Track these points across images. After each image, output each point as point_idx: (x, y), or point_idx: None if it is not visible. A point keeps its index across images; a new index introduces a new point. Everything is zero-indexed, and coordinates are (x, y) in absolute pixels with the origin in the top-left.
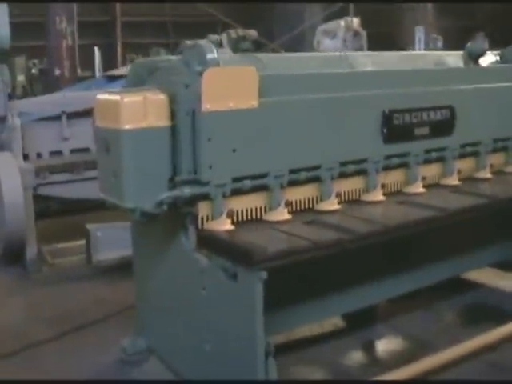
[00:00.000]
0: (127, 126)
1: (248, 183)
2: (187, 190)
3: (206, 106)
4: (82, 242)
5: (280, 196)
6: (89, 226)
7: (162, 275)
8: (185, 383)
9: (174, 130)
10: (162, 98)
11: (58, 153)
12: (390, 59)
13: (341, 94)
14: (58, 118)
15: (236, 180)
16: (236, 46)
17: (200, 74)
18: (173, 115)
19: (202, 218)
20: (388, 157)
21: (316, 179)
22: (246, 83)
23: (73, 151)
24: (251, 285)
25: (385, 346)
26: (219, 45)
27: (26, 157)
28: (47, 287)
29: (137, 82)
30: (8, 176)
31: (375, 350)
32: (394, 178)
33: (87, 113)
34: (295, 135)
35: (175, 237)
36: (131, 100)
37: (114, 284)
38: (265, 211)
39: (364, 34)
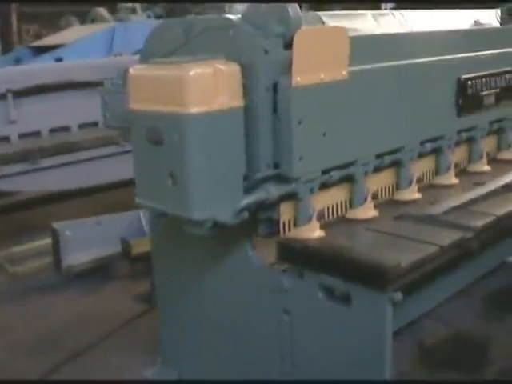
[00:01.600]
0: (195, 109)
1: (336, 175)
2: (274, 191)
3: (297, 78)
4: (43, 242)
5: (366, 188)
6: (56, 225)
7: (209, 296)
8: (185, 383)
9: (247, 111)
10: (235, 69)
11: (5, 139)
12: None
13: (423, 60)
14: (2, 97)
15: (324, 172)
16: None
17: (283, 36)
18: (244, 92)
19: (284, 224)
20: (459, 132)
21: (393, 164)
22: (335, 47)
23: (22, 136)
24: (377, 309)
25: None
26: (133, 11)
27: None
28: (10, 303)
29: (163, 49)
30: None
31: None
32: (460, 155)
33: (37, 90)
34: (380, 112)
35: (235, 248)
36: (200, 73)
37: (94, 293)
38: (345, 207)
39: None
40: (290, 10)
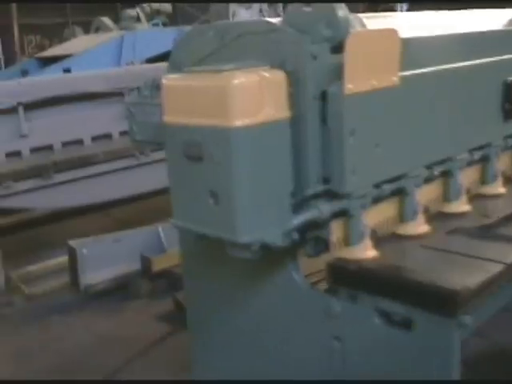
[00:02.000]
0: (239, 122)
1: (387, 189)
2: (326, 208)
3: (349, 85)
4: (58, 260)
5: (417, 201)
6: (72, 243)
7: (249, 319)
8: (185, 383)
9: (293, 123)
10: (281, 77)
11: (16, 154)
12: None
13: (470, 63)
14: (12, 110)
15: (375, 186)
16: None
17: (330, 39)
18: (290, 102)
19: (334, 244)
20: (505, 138)
21: (441, 175)
22: (387, 51)
23: (33, 150)
24: (444, 334)
25: None
26: (137, 19)
27: None
28: (28, 327)
29: (193, 57)
30: None
31: None
32: (505, 163)
33: (48, 102)
34: (429, 120)
35: (278, 269)
36: (245, 82)
37: (114, 314)
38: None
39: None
40: (338, 11)
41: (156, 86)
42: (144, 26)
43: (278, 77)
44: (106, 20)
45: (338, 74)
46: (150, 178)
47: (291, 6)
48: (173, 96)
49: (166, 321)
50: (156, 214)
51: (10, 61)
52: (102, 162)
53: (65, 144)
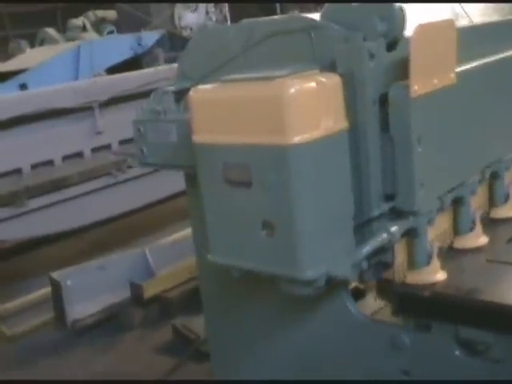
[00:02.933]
0: (298, 138)
1: (448, 199)
2: (396, 230)
3: (415, 86)
4: (39, 293)
5: (473, 210)
6: (54, 274)
7: (291, 354)
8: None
9: (351, 133)
10: (337, 81)
11: None
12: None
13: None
14: None
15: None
16: (98, 28)
17: (387, 35)
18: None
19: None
20: None
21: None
22: (445, 45)
23: (1, 176)
24: None
25: None
26: (83, 28)
27: None
28: (15, 372)
29: (209, 64)
30: None
31: None
32: None
33: (12, 122)
34: (482, 120)
35: (328, 298)
36: (302, 90)
37: (109, 349)
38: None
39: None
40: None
41: (168, 100)
42: (92, 34)
43: (335, 81)
44: (51, 31)
45: (396, 74)
46: (130, 196)
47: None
48: (206, 111)
49: (167, 353)
50: (131, 234)
51: None
52: (77, 183)
53: (34, 166)
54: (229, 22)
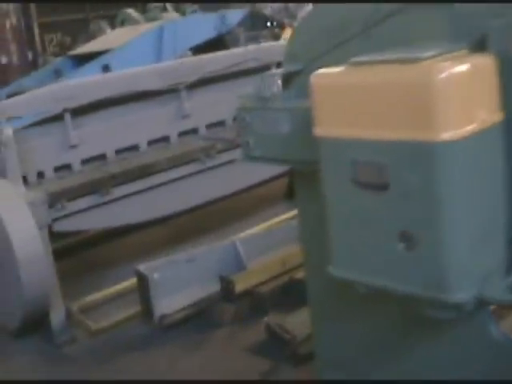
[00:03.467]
0: (450, 134)
1: None
2: None
3: None
4: (123, 285)
5: None
6: (141, 267)
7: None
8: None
9: (505, 126)
10: (491, 64)
11: (66, 167)
12: None
13: None
14: (58, 118)
15: None
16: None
17: None
18: None
19: None
20: None
21: None
22: None
23: (84, 162)
24: None
25: None
26: (163, 8)
27: (23, 180)
28: (98, 367)
29: (321, 45)
30: (14, 216)
31: None
32: None
33: (98, 106)
34: None
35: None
36: (455, 74)
37: (198, 347)
38: None
39: None
40: None
41: (276, 84)
42: (173, 14)
43: (489, 64)
44: (132, 12)
45: None
46: (218, 183)
47: None
48: (332, 99)
49: (260, 353)
50: (216, 221)
51: (33, 62)
52: (165, 169)
53: (118, 151)
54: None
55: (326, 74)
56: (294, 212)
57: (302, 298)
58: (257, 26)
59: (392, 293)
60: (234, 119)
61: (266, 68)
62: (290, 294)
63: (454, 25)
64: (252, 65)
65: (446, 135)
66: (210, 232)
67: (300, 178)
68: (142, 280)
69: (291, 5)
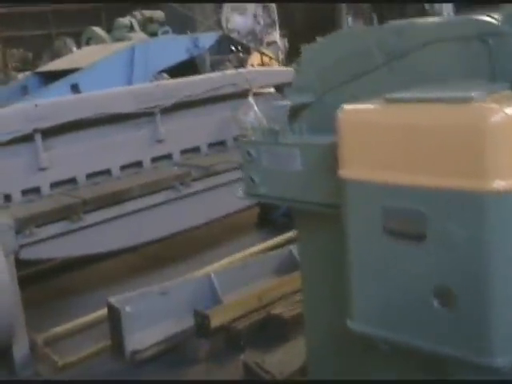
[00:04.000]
0: (502, 183)
1: None
2: None
3: None
4: (92, 316)
5: None
6: (113, 300)
7: None
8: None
9: None
10: None
11: (35, 190)
12: None
13: None
14: (27, 138)
15: None
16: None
17: None
18: None
19: None
20: None
21: None
22: None
23: (54, 185)
24: None
25: None
26: (131, 28)
27: None
28: None
29: (338, 75)
30: None
31: None
32: None
33: (69, 127)
34: None
35: None
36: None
37: None
38: None
39: (274, 7)
40: None
41: (291, 118)
42: (140, 35)
43: None
44: (98, 30)
45: None
46: (193, 211)
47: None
48: (363, 139)
49: None
50: (189, 248)
51: None
52: (138, 196)
53: (89, 176)
54: (277, 27)
55: (357, 110)
56: (268, 242)
57: (280, 334)
58: (223, 51)
59: (419, 352)
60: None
61: (243, 94)
62: (267, 329)
63: (489, 60)
64: (229, 90)
65: (499, 184)
66: (181, 261)
67: (301, 218)
68: (114, 313)
69: (258, 30)
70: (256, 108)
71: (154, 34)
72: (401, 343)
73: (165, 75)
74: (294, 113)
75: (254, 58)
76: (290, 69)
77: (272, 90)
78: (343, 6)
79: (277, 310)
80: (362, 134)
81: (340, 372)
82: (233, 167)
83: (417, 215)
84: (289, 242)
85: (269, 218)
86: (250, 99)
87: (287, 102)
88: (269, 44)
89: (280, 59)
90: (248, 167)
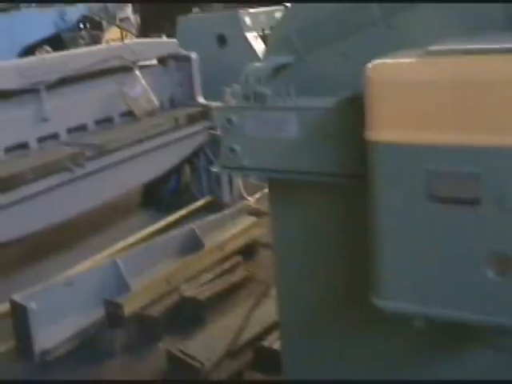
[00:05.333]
0: None
1: None
2: None
3: None
4: None
5: None
6: (16, 297)
7: None
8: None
9: None
10: None
11: None
12: None
13: None
14: None
15: None
16: None
17: None
18: None
19: None
20: None
21: None
22: None
23: None
24: None
25: None
26: None
27: None
28: None
29: (331, 26)
30: None
31: None
32: None
33: None
34: None
35: None
36: None
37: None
38: None
39: None
40: None
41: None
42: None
43: None
44: None
45: None
46: (89, 193)
47: None
48: (401, 98)
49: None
50: (76, 235)
51: None
52: (29, 181)
53: None
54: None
55: (391, 66)
56: (161, 222)
57: (196, 318)
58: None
59: (468, 324)
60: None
61: (129, 67)
62: (182, 313)
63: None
64: (115, 63)
65: None
66: (70, 248)
67: (276, 189)
68: (19, 310)
69: (110, 5)
70: (143, 81)
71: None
72: (443, 317)
73: (48, 48)
74: (273, 73)
75: (111, 34)
76: (173, 40)
77: (155, 61)
78: None
79: (188, 292)
80: (400, 92)
81: (316, 351)
82: (125, 144)
83: (469, 177)
84: (179, 221)
85: (155, 196)
86: (137, 72)
87: (269, 64)
88: (121, 20)
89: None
90: (228, 137)
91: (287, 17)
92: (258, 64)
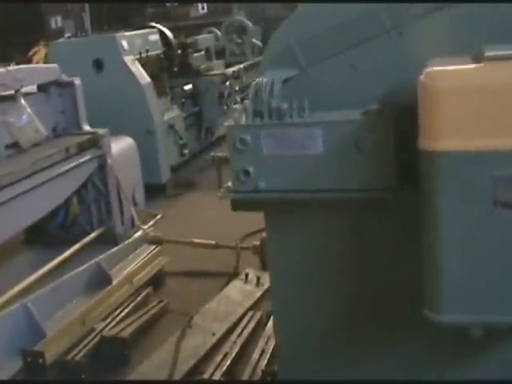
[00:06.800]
0: None
1: None
2: None
3: None
4: None
5: None
6: None
7: None
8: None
9: None
10: None
11: None
12: None
13: None
14: None
15: None
16: None
17: None
18: None
19: None
20: None
21: None
22: None
23: None
24: None
25: None
26: None
27: None
28: None
29: (338, 39)
30: None
31: None
32: None
33: None
34: None
35: None
36: None
37: None
38: None
39: None
40: None
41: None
42: None
43: None
44: None
45: None
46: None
47: None
48: (460, 105)
49: None
50: None
51: None
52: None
53: None
54: None
55: (448, 73)
56: (58, 259)
57: (120, 357)
58: None
59: None
60: None
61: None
62: (104, 354)
63: None
64: None
65: None
66: None
67: (273, 216)
68: None
69: None
70: (29, 110)
71: None
72: (506, 324)
73: None
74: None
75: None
76: (54, 65)
77: (35, 89)
78: (50, 5)
79: (107, 331)
80: (461, 98)
81: (318, 370)
82: (14, 181)
83: None
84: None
85: (40, 232)
86: (22, 100)
87: (273, 78)
88: None
89: None
90: (240, 158)
91: (287, 29)
92: (264, 79)
